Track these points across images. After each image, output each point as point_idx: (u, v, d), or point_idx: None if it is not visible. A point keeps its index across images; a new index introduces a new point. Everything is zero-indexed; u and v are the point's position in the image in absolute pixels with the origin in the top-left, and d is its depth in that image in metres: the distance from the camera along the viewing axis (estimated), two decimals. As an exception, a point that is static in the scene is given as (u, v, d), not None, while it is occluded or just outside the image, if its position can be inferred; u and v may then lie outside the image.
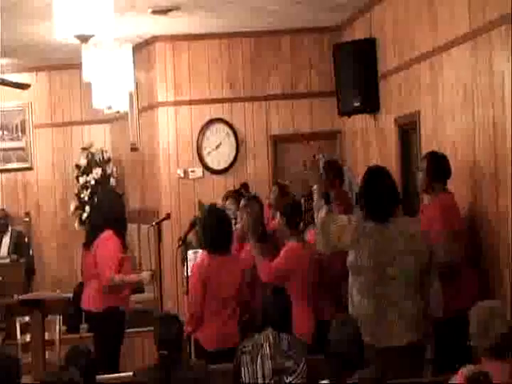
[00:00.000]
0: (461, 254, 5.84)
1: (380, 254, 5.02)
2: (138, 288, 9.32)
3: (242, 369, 4.90)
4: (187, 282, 6.29)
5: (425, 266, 5.10)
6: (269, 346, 4.90)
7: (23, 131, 11.72)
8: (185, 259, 7.06)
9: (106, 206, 7.33)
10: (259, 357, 4.89)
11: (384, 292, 5.01)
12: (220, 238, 6.17)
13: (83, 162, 11.23)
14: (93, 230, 7.23)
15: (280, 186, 8.87)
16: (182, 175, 9.92)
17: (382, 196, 5.13)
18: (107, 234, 6.95)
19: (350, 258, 5.11)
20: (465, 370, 3.90)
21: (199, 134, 9.93)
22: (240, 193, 8.35)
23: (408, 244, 5.05)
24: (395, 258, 5.02)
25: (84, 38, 5.62)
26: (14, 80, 10.64)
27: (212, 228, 6.21)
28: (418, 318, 5.08)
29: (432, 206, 5.97)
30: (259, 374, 4.84)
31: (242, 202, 7.25)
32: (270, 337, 4.93)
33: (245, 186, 8.95)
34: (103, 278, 6.86)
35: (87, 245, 7.20)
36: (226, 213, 6.70)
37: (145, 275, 7.19)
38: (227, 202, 8.28)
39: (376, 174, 5.32)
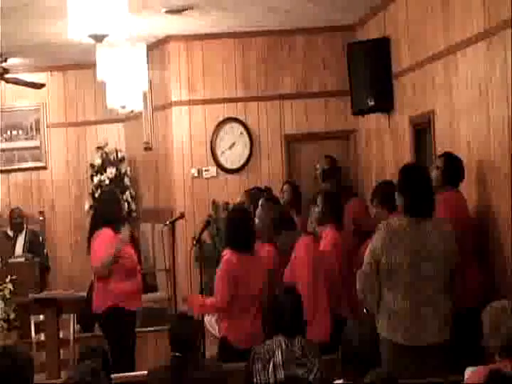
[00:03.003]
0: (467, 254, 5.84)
1: (415, 251, 5.06)
2: (151, 287, 9.35)
3: (254, 376, 4.85)
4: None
5: (454, 266, 5.12)
6: (281, 352, 4.79)
7: (38, 130, 11.75)
8: (199, 258, 7.07)
9: (99, 208, 7.38)
10: (271, 364, 4.79)
11: (420, 288, 5.02)
12: (245, 236, 6.20)
13: (97, 161, 11.26)
14: (89, 231, 7.29)
15: (292, 186, 8.88)
16: (196, 174, 9.93)
17: (421, 194, 5.17)
18: (99, 232, 6.98)
19: (383, 261, 5.07)
20: (481, 369, 3.91)
21: (213, 134, 9.94)
22: (261, 191, 8.34)
23: (442, 242, 5.10)
24: (431, 253, 5.04)
25: (98, 38, 5.64)
26: (28, 80, 10.67)
27: (238, 226, 6.23)
28: (450, 316, 5.09)
29: (437, 206, 5.93)
30: (271, 381, 4.80)
31: (261, 201, 7.28)
32: (283, 343, 4.82)
33: (269, 190, 8.91)
34: (93, 272, 6.93)
35: (88, 247, 7.23)
36: (250, 212, 6.70)
37: (122, 234, 7.05)
38: (239, 198, 8.29)
39: (415, 170, 5.38)
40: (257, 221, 7.13)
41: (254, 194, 8.01)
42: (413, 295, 5.03)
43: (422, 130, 7.72)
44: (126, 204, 10.72)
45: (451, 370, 4.98)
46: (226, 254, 6.20)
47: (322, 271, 6.33)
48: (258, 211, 7.16)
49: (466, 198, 6.11)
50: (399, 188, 5.32)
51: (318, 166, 9.00)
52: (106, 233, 6.96)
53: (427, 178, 5.32)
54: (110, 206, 7.20)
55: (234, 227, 6.27)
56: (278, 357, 4.81)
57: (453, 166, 6.05)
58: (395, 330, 4.91)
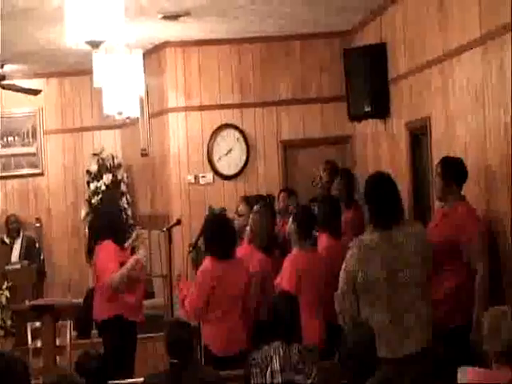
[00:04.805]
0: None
1: (392, 262, 4.99)
2: (148, 294, 9.32)
3: (252, 381, 4.84)
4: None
5: (430, 266, 5.10)
6: (278, 358, 4.81)
7: (34, 137, 11.75)
8: (195, 264, 7.05)
9: (101, 217, 7.28)
10: (269, 370, 4.80)
11: (399, 298, 4.97)
12: (221, 242, 6.16)
13: (94, 167, 11.26)
14: (90, 241, 7.20)
15: (289, 193, 8.86)
16: (193, 180, 9.93)
17: (385, 202, 5.10)
18: (103, 244, 6.88)
19: (359, 278, 5.03)
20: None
21: (210, 140, 9.94)
22: (262, 199, 8.31)
23: (416, 246, 5.04)
24: (407, 261, 4.99)
25: (95, 44, 5.63)
26: (25, 86, 10.67)
27: (214, 233, 6.21)
28: (430, 319, 5.06)
29: (459, 211, 5.81)
30: None
31: (255, 208, 7.27)
32: (280, 349, 4.84)
33: (271, 197, 8.87)
34: (106, 285, 6.79)
35: (89, 255, 7.15)
36: (228, 219, 6.68)
37: (139, 253, 6.97)
38: (240, 207, 8.28)
39: (379, 180, 5.30)
40: (248, 227, 7.12)
41: (252, 200, 8.01)
42: (392, 306, 4.97)
43: (419, 135, 7.72)
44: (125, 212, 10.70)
45: (436, 375, 4.97)
46: (206, 261, 6.19)
47: (309, 281, 6.29)
48: (251, 217, 7.14)
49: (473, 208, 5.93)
50: (364, 198, 5.28)
51: (318, 171, 8.96)
52: (109, 246, 6.87)
53: (392, 187, 5.22)
54: (111, 216, 7.10)
55: (212, 233, 6.24)
56: (276, 363, 4.80)
57: (451, 170, 5.95)
58: (378, 345, 4.82)
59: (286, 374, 4.81)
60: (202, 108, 9.97)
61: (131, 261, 6.79)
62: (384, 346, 4.82)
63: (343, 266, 5.14)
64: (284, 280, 6.27)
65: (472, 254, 5.60)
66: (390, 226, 5.06)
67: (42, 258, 11.09)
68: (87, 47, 5.68)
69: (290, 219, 6.64)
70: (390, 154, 8.48)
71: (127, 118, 9.14)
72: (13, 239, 11.01)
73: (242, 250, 6.85)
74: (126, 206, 11.03)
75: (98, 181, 11.16)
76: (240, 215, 8.01)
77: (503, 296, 5.81)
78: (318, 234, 6.97)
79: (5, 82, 10.32)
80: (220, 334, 6.05)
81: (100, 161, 11.29)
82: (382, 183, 5.24)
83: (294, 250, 6.45)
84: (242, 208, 8.14)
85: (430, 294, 5.12)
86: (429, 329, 5.05)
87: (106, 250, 6.83)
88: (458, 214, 5.77)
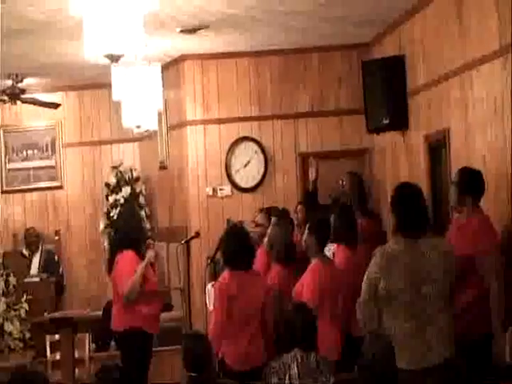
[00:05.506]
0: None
1: (414, 273, 4.95)
2: (166, 306, 9.34)
3: None
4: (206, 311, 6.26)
5: (453, 280, 5.07)
6: (297, 366, 4.85)
7: (53, 150, 11.81)
8: (214, 278, 7.05)
9: (120, 228, 7.31)
10: (287, 377, 4.84)
11: (421, 310, 4.94)
12: (240, 254, 6.14)
13: (112, 180, 11.29)
14: (111, 252, 7.23)
15: (306, 204, 8.85)
16: (211, 193, 9.94)
17: (413, 212, 5.08)
18: (123, 253, 6.92)
19: (381, 287, 4.96)
20: None
21: (228, 152, 9.95)
22: (277, 211, 8.32)
23: (440, 259, 5.01)
24: (431, 274, 4.96)
25: (114, 58, 5.66)
26: (44, 99, 10.73)
27: (232, 245, 6.20)
28: (452, 333, 5.03)
29: (473, 224, 5.79)
30: None
31: (273, 220, 7.26)
32: (298, 357, 4.88)
33: (285, 211, 8.87)
34: (121, 295, 6.83)
35: (109, 267, 7.18)
36: (246, 230, 6.66)
37: (147, 256, 7.03)
38: (258, 217, 8.28)
39: (407, 190, 5.28)
40: (266, 239, 7.11)
41: (270, 211, 8.02)
42: (415, 317, 4.92)
43: (438, 147, 7.70)
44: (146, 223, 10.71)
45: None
46: (224, 273, 6.18)
47: (329, 292, 6.28)
48: (269, 231, 7.13)
49: (487, 216, 5.87)
50: (391, 206, 5.23)
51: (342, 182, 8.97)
52: (128, 255, 6.90)
53: (419, 197, 5.17)
54: (131, 226, 7.13)
55: (230, 244, 6.23)
56: (294, 369, 4.84)
57: (468, 180, 5.91)
58: (398, 356, 4.76)
59: (303, 380, 4.83)
60: (220, 121, 9.99)
61: (140, 267, 6.82)
62: (405, 358, 4.79)
63: (366, 274, 5.11)
64: (305, 291, 6.25)
65: (485, 267, 5.56)
66: (416, 237, 5.03)
67: (60, 270, 11.13)
68: (106, 61, 5.71)
69: (306, 231, 6.61)
70: (409, 166, 8.46)
71: (146, 130, 9.18)
72: (32, 252, 11.05)
73: (260, 261, 6.85)
74: (144, 218, 11.04)
75: (117, 194, 11.19)
76: (258, 225, 8.02)
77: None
78: (333, 248, 6.93)
79: (24, 96, 10.38)
80: (237, 346, 6.02)
81: (119, 174, 11.32)
82: (410, 192, 5.21)
83: (315, 262, 6.43)
84: (260, 218, 8.15)
85: (453, 307, 5.09)
86: (451, 342, 5.00)
87: (125, 258, 6.87)
88: (471, 227, 5.73)
